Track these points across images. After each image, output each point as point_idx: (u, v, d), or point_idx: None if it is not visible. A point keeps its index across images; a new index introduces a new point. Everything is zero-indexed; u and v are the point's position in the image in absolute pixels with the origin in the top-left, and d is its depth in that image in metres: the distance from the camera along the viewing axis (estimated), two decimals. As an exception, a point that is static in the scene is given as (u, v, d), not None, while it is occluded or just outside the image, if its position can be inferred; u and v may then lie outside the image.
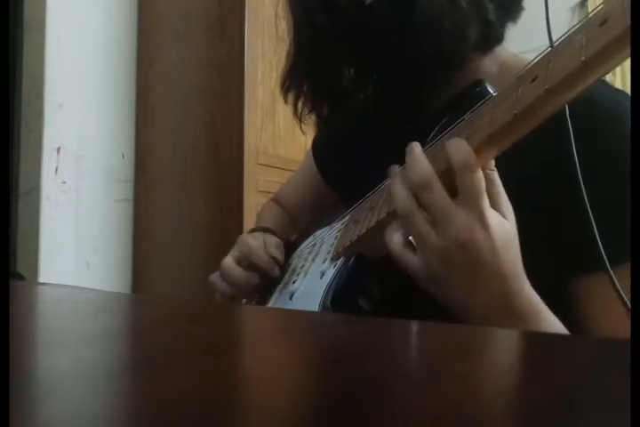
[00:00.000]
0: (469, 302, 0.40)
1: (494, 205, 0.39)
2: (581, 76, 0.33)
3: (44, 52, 1.44)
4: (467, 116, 0.43)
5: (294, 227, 0.78)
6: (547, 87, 0.34)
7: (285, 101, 0.63)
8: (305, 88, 0.61)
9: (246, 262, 0.62)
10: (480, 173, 0.38)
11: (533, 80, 0.36)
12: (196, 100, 1.50)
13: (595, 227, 0.39)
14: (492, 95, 0.41)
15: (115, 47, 1.63)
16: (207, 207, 1.46)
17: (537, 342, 0.23)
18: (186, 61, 1.54)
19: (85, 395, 0.13)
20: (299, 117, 0.63)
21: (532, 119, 0.36)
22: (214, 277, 0.64)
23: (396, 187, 0.41)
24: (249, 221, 1.34)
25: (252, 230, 0.71)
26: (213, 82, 1.47)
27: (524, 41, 0.59)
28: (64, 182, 1.47)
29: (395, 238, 0.42)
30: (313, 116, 0.63)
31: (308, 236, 0.67)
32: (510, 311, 0.39)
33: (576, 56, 0.33)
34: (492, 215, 0.38)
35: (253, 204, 1.38)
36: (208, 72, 1.49)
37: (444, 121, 0.48)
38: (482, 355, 0.20)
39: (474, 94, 0.46)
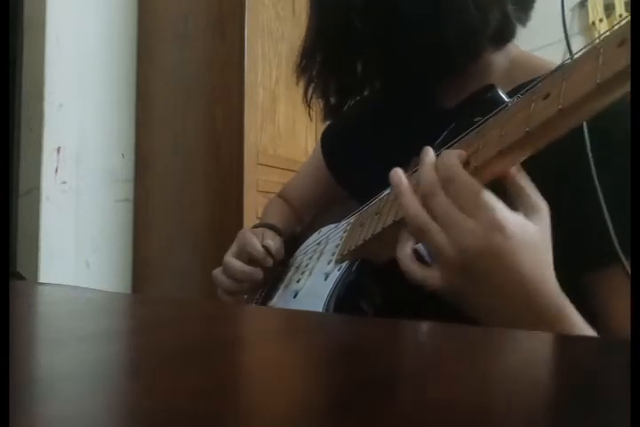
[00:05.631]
0: (496, 307, 0.39)
1: (519, 206, 0.39)
2: (596, 97, 0.32)
3: (44, 52, 1.44)
4: (477, 125, 0.42)
5: (300, 223, 0.78)
6: (560, 107, 0.33)
7: (297, 83, 0.62)
8: (316, 73, 0.60)
9: (245, 255, 0.63)
10: (471, 182, 0.38)
11: (546, 97, 0.35)
12: (196, 100, 1.50)
13: (609, 220, 0.38)
14: (504, 104, 0.40)
15: (115, 47, 1.63)
16: (207, 207, 1.46)
17: (536, 342, 0.23)
18: (186, 61, 1.54)
19: (85, 395, 0.13)
20: (307, 102, 0.63)
21: (543, 137, 0.36)
22: (217, 272, 0.65)
23: (405, 197, 0.41)
24: (249, 221, 1.34)
25: (255, 227, 0.72)
26: (213, 82, 1.47)
27: (527, 40, 0.59)
28: (64, 182, 1.47)
29: (404, 252, 0.41)
30: (321, 103, 0.62)
31: (313, 229, 0.67)
32: (533, 313, 0.38)
33: (591, 77, 0.31)
34: (508, 217, 0.37)
35: (253, 204, 1.38)
36: (208, 72, 1.48)
37: (452, 125, 0.48)
38: (482, 355, 0.20)
39: (485, 99, 0.46)
